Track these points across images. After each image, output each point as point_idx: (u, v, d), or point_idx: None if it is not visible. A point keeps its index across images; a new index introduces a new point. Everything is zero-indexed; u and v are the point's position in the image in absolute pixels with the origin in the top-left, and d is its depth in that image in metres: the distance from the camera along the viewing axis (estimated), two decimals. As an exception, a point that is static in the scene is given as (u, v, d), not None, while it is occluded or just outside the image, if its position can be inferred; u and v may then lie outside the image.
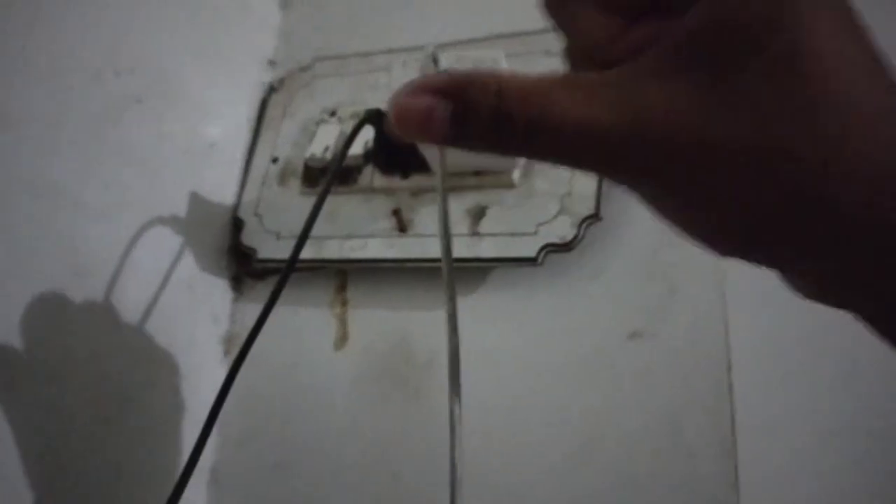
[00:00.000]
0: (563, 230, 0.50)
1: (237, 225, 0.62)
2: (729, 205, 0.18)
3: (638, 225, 0.51)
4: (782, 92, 0.17)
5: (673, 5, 0.20)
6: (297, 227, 0.48)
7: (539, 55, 0.57)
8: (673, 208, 0.20)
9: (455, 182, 0.54)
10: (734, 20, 0.18)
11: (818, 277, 0.19)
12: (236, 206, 0.64)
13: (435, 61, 0.41)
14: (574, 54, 0.23)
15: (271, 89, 0.69)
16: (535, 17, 0.60)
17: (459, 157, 0.52)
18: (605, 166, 0.20)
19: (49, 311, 0.46)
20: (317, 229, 0.48)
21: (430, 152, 0.52)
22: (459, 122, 0.19)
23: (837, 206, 0.17)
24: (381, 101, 0.57)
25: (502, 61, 0.44)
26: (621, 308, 0.50)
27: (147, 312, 0.54)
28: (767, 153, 0.17)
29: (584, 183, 0.51)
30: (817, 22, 0.17)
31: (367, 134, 0.57)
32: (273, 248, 0.60)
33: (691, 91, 0.18)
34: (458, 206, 0.54)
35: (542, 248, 0.50)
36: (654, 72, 0.19)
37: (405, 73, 0.45)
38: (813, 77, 0.17)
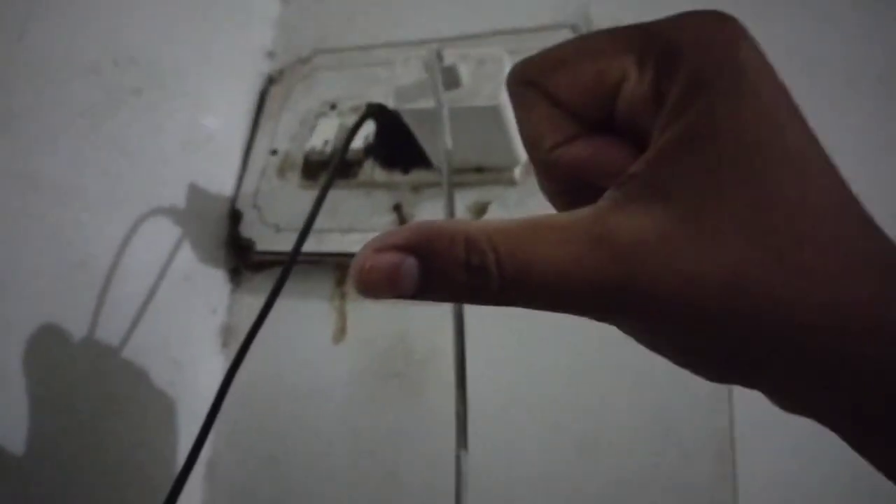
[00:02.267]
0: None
1: (235, 217, 0.62)
2: (712, 339, 0.18)
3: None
4: (749, 228, 0.17)
5: (628, 132, 0.21)
6: (297, 220, 0.48)
7: (541, 52, 0.57)
8: (653, 342, 0.20)
9: (457, 178, 0.54)
10: (703, 156, 0.18)
11: (789, 395, 0.20)
12: (234, 199, 0.63)
13: (440, 58, 0.42)
14: (523, 137, 0.23)
15: (270, 81, 0.68)
16: (535, 14, 0.60)
17: (461, 154, 0.53)
18: (590, 311, 0.19)
19: (45, 304, 0.46)
20: (317, 222, 0.48)
21: (432, 148, 0.52)
22: (428, 278, 0.19)
23: (807, 338, 0.17)
24: (381, 95, 0.57)
25: (506, 60, 0.44)
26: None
27: (144, 304, 0.54)
28: (744, 287, 0.17)
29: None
30: (784, 161, 0.18)
31: (368, 128, 0.57)
32: (272, 241, 0.60)
33: (666, 228, 0.18)
34: (460, 203, 0.54)
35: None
36: (630, 211, 0.18)
37: (408, 70, 0.45)
38: (780, 214, 0.17)
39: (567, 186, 0.23)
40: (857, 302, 0.17)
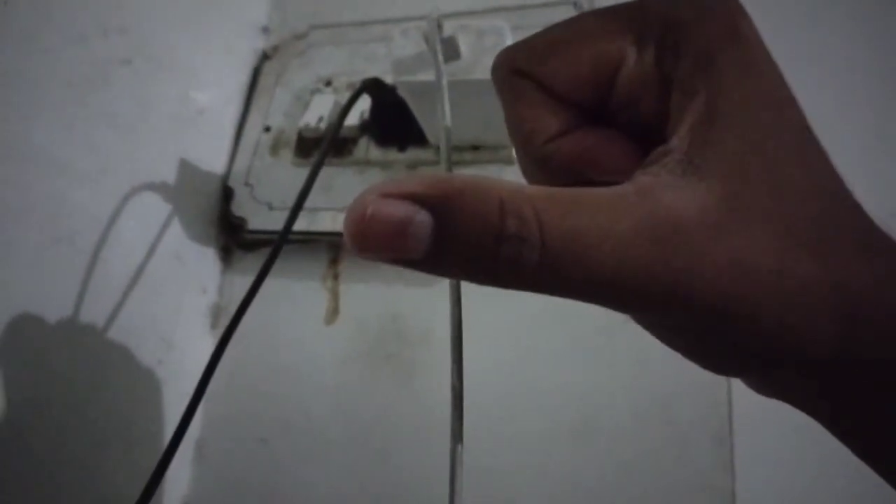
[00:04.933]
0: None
1: (227, 194, 0.61)
2: (736, 332, 0.16)
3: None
4: (783, 216, 0.16)
5: (626, 117, 0.20)
6: (290, 198, 0.46)
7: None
8: (668, 336, 0.19)
9: (454, 157, 0.53)
10: (731, 137, 0.17)
11: (781, 389, 0.19)
12: (226, 176, 0.62)
13: (439, 27, 0.40)
14: (512, 132, 0.21)
15: (264, 57, 0.67)
16: (538, -11, 0.59)
17: (459, 130, 0.51)
18: (632, 301, 0.16)
19: (30, 281, 0.45)
20: (310, 201, 0.47)
21: (429, 124, 0.51)
22: (443, 243, 0.15)
23: (818, 332, 0.16)
24: (378, 71, 0.55)
25: (507, 33, 0.43)
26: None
27: (132, 282, 0.53)
28: (781, 279, 0.16)
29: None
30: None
31: (364, 104, 0.56)
32: (264, 219, 0.59)
33: (719, 210, 0.16)
34: (456, 182, 0.53)
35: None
36: (677, 189, 0.16)
37: (406, 42, 0.44)
38: (796, 200, 0.17)
39: (559, 183, 0.21)
40: (859, 295, 0.16)
